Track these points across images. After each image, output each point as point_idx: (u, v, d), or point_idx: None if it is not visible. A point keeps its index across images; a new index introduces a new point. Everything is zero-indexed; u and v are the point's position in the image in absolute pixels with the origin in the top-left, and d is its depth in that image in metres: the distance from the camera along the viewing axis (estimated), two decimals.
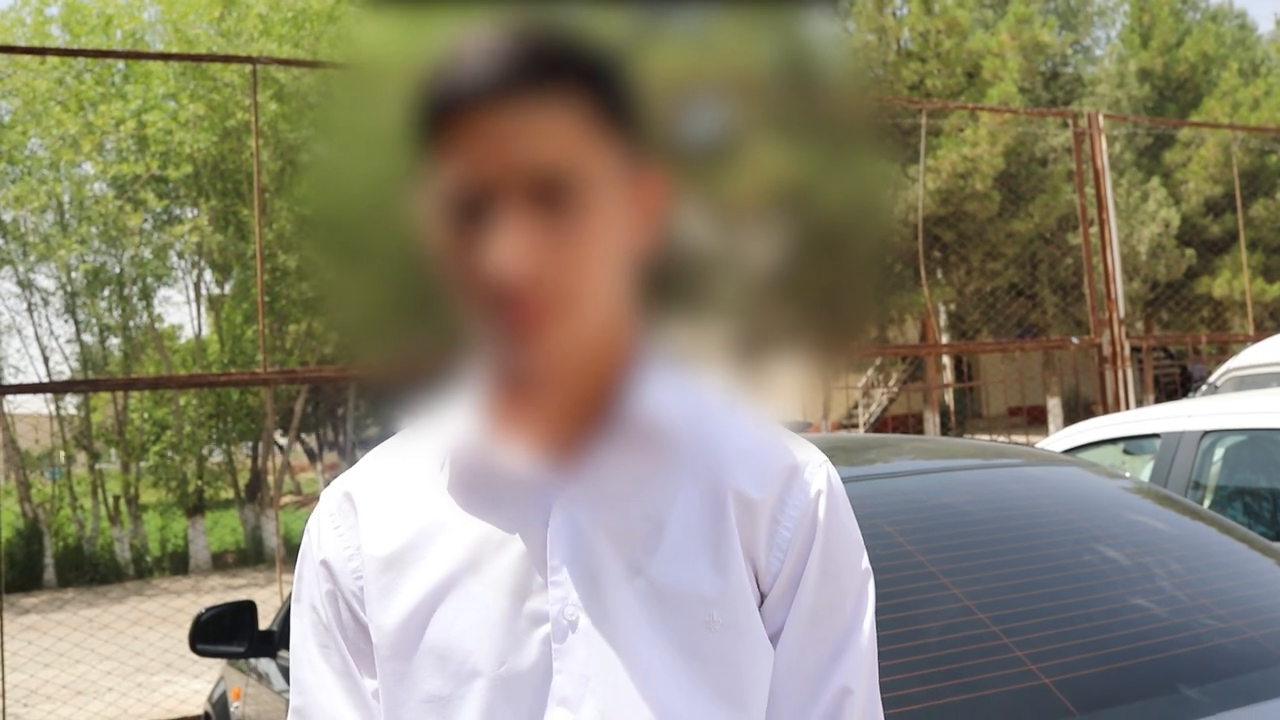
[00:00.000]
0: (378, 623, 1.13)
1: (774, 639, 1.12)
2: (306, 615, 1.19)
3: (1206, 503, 4.36)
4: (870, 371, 28.99)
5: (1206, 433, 4.45)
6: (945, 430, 25.07)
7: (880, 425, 28.31)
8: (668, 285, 1.17)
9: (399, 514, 1.15)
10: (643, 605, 1.09)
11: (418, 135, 1.04)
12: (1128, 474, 3.85)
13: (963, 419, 27.34)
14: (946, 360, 27.82)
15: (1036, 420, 23.92)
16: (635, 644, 1.08)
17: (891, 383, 28.73)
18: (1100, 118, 9.56)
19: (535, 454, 1.12)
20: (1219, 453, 4.50)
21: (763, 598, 1.13)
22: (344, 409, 15.89)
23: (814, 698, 1.13)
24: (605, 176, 1.04)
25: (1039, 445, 5.23)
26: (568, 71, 1.02)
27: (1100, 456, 4.96)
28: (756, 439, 1.17)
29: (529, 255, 1.00)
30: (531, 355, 1.04)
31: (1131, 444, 5.08)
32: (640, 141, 1.08)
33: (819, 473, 1.16)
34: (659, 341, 1.17)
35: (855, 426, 28.14)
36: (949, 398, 26.62)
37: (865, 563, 1.19)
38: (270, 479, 18.14)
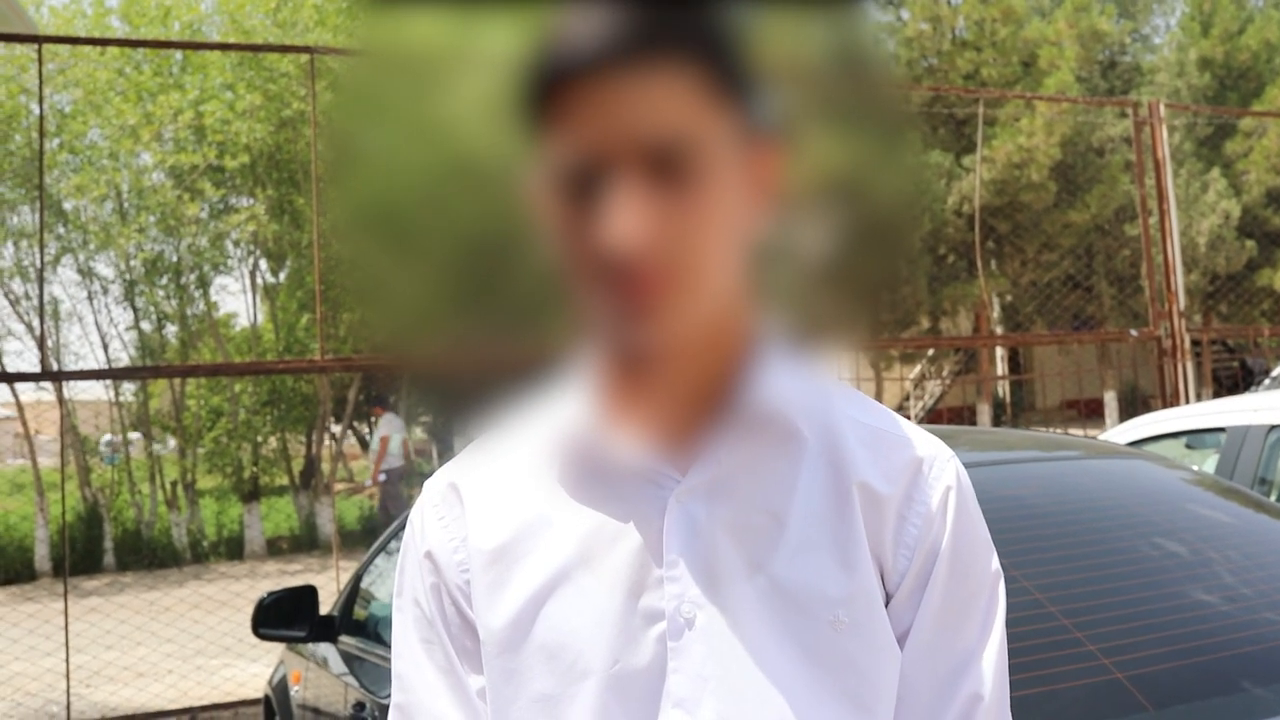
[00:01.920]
0: (485, 619, 1.09)
1: (900, 641, 1.07)
2: (409, 609, 1.16)
3: (1273, 498, 4.29)
4: (923, 363, 28.80)
5: (1273, 427, 4.37)
6: (999, 423, 24.85)
7: (934, 417, 28.12)
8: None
9: (507, 506, 1.11)
10: (764, 603, 1.04)
11: (526, 110, 1.01)
12: (1195, 467, 3.79)
13: (1017, 411, 27.06)
14: (1000, 352, 27.56)
15: (1093, 414, 23.63)
16: (756, 644, 1.03)
17: (944, 374, 28.52)
18: (1161, 107, 9.42)
19: (650, 444, 1.08)
20: None
21: (888, 597, 1.08)
22: (396, 398, 15.94)
23: (943, 703, 1.07)
24: (722, 148, 1.00)
25: (1099, 438, 5.17)
26: (681, 39, 0.98)
27: (1162, 450, 4.89)
28: (880, 430, 1.12)
29: (647, 226, 0.96)
30: (649, 333, 1.00)
31: (1194, 438, 5.01)
32: (755, 115, 1.03)
33: (948, 467, 1.11)
34: (777, 327, 1.12)
35: (907, 417, 27.94)
36: (1003, 390, 26.38)
37: (995, 563, 1.13)
38: (325, 466, 18.32)
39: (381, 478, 15.08)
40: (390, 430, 15.31)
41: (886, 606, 1.07)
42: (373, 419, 15.93)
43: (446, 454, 1.26)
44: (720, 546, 1.05)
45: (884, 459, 1.10)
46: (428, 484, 1.19)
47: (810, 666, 1.04)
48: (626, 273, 0.97)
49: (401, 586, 1.18)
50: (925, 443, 1.13)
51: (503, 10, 1.11)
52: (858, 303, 1.23)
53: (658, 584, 1.05)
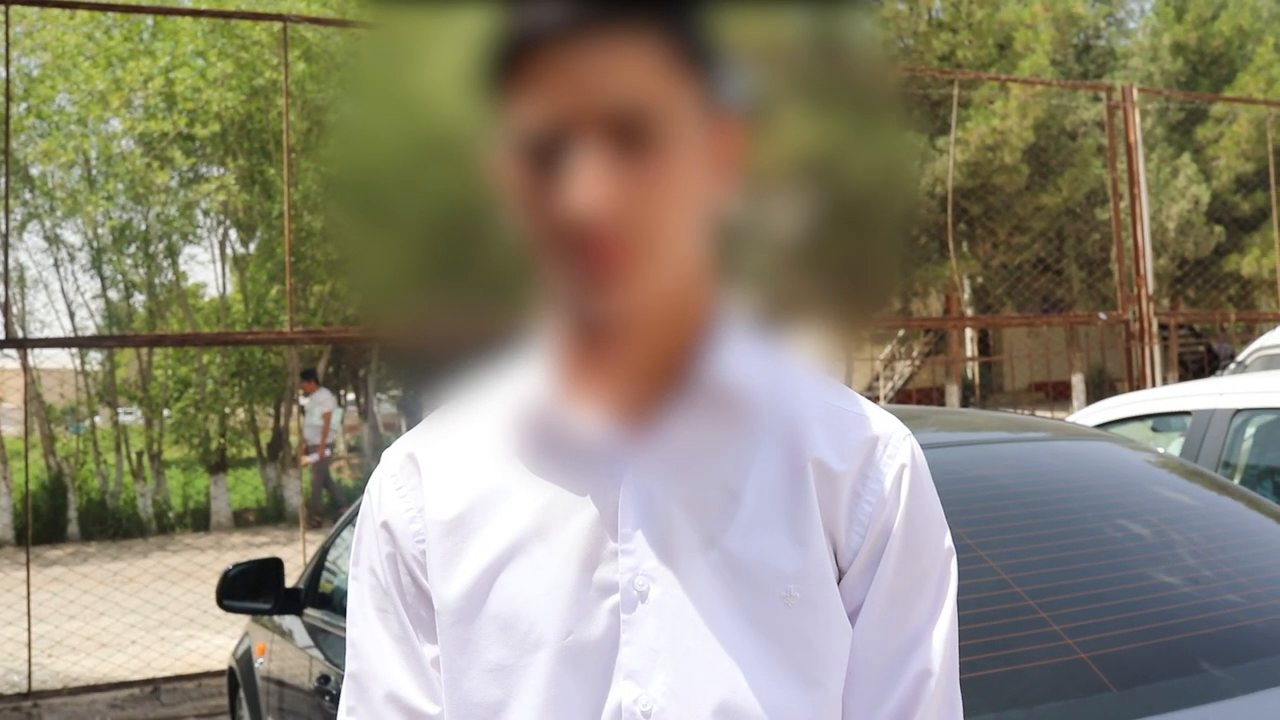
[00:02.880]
0: (439, 589, 1.10)
1: (852, 617, 1.08)
2: (365, 578, 1.16)
3: (1236, 481, 4.33)
4: (893, 344, 28.92)
5: (1238, 411, 4.41)
6: (967, 404, 25.00)
7: (903, 397, 28.26)
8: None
9: (464, 477, 1.12)
10: (717, 577, 1.05)
11: (489, 79, 1.00)
12: (1160, 450, 3.82)
13: (986, 393, 27.23)
14: (970, 334, 27.71)
15: (1060, 396, 23.81)
16: (708, 617, 1.04)
17: (914, 355, 28.65)
18: (1134, 91, 9.46)
19: (608, 417, 1.08)
20: (1250, 431, 4.46)
21: (840, 574, 1.08)
22: (365, 370, 15.87)
23: (893, 679, 1.08)
24: (685, 118, 1.00)
25: (1066, 420, 5.21)
26: (646, 9, 0.98)
27: (1128, 433, 4.93)
28: (837, 408, 1.12)
29: (609, 193, 0.96)
30: (610, 302, 1.00)
31: (1160, 421, 5.05)
32: (718, 86, 1.04)
33: (903, 445, 1.12)
34: (735, 303, 1.12)
35: (876, 398, 28.11)
36: (972, 371, 26.54)
37: (948, 541, 1.14)
38: (293, 439, 18.24)
39: (327, 453, 15.08)
40: (330, 406, 15.30)
41: (839, 583, 1.08)
42: (303, 393, 15.82)
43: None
44: (675, 521, 1.06)
45: (840, 436, 1.10)
46: (386, 454, 1.19)
47: (761, 640, 1.05)
48: (588, 240, 0.97)
49: (358, 555, 1.18)
50: (881, 421, 1.13)
51: None
52: (830, 282, 1.23)
53: (612, 557, 1.06)
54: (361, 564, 1.17)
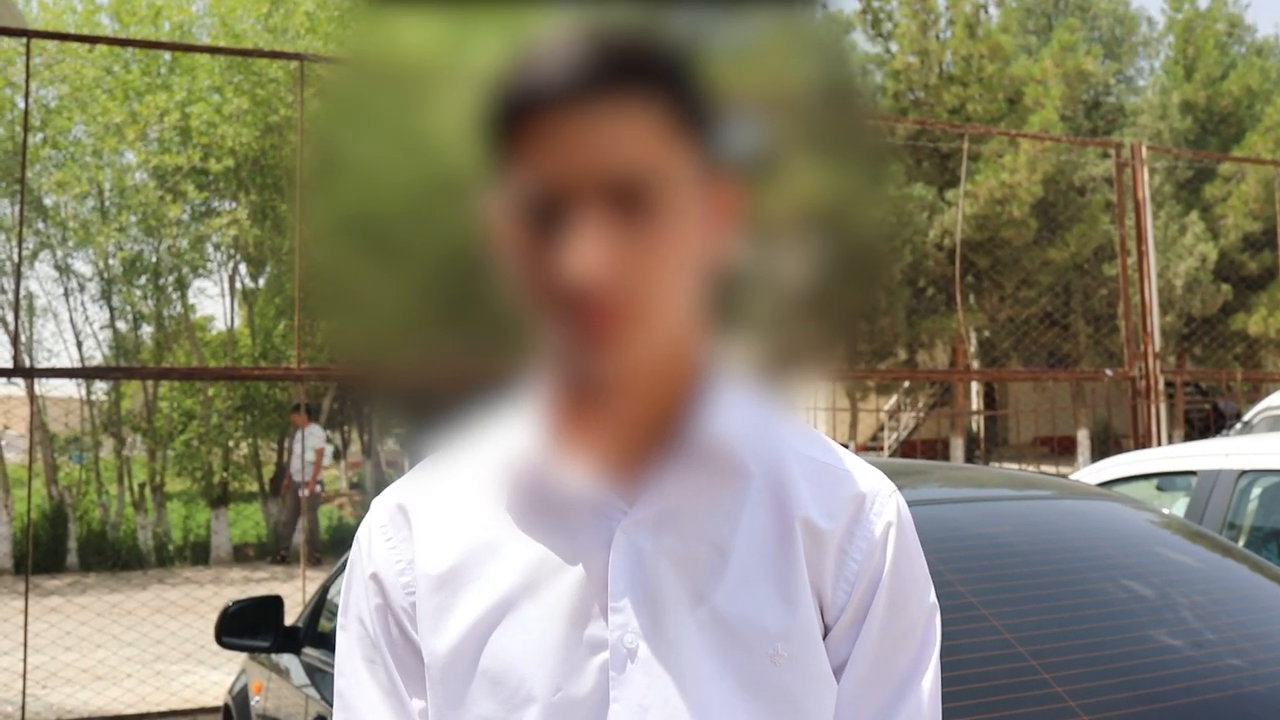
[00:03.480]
0: (429, 643, 1.10)
1: (837, 673, 1.09)
2: (354, 628, 1.16)
3: (1241, 543, 4.31)
4: (898, 395, 28.88)
5: (1244, 472, 4.40)
6: (972, 457, 24.94)
7: (907, 449, 28.19)
8: (721, 306, 1.15)
9: (454, 530, 1.12)
10: (705, 636, 1.06)
11: (490, 136, 1.02)
12: (1165, 510, 3.81)
13: (990, 447, 27.17)
14: (975, 387, 27.68)
15: (1065, 451, 23.75)
16: (696, 676, 1.05)
17: (919, 407, 28.60)
18: (1143, 149, 9.50)
19: (598, 473, 1.08)
20: (1256, 493, 4.45)
21: (826, 630, 1.09)
22: (369, 407, 15.86)
23: None
24: (683, 182, 1.01)
25: (1070, 477, 5.19)
26: (646, 74, 0.99)
27: (1133, 492, 4.91)
28: (824, 464, 1.13)
29: (606, 260, 0.97)
30: (604, 364, 1.01)
31: (1165, 480, 5.03)
32: (716, 148, 1.05)
33: (889, 503, 1.13)
34: (727, 359, 1.13)
35: (880, 449, 28.03)
36: (977, 424, 26.48)
37: (932, 596, 1.15)
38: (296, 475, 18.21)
39: (318, 488, 15.02)
40: (320, 442, 15.27)
41: (824, 638, 1.09)
42: (293, 426, 15.78)
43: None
44: (664, 579, 1.07)
45: (827, 494, 1.11)
46: (375, 502, 1.19)
47: (749, 699, 1.05)
48: (585, 304, 0.98)
49: (347, 605, 1.18)
50: (868, 478, 1.14)
51: (488, 23, 1.12)
52: (828, 333, 1.24)
53: (602, 615, 1.06)
54: (350, 614, 1.17)
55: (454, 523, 1.12)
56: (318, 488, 14.89)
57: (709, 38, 1.09)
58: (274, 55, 12.30)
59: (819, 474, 1.12)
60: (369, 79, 1.27)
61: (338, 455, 32.70)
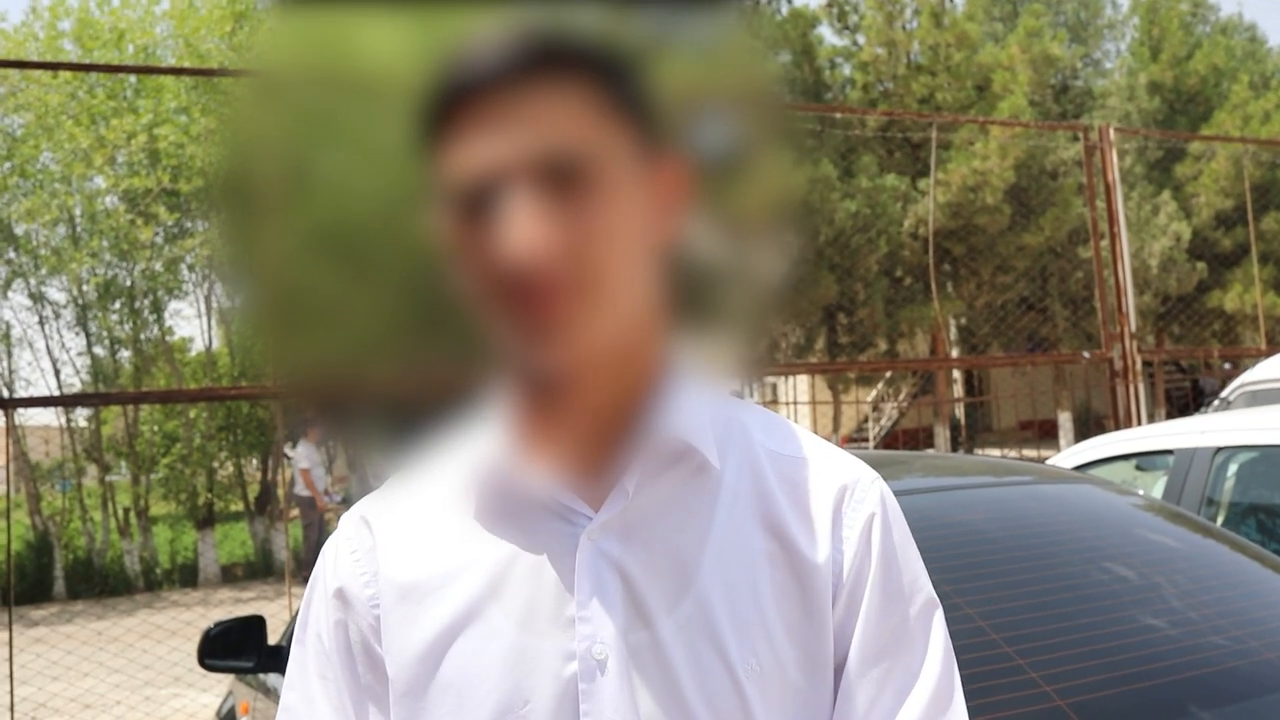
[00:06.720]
0: (394, 656, 1.07)
1: (836, 674, 1.05)
2: (310, 643, 1.13)
3: (1219, 520, 4.33)
4: (880, 385, 28.94)
5: (1220, 449, 4.41)
6: (956, 444, 25.01)
7: (891, 439, 28.25)
8: (678, 299, 1.13)
9: (420, 542, 1.09)
10: (675, 645, 1.02)
11: (423, 132, 1.00)
12: (1140, 491, 3.82)
13: (973, 433, 27.23)
14: (957, 374, 27.75)
15: (1047, 434, 23.83)
16: (666, 686, 1.01)
17: (901, 397, 28.67)
18: (1111, 131, 9.53)
19: (562, 476, 1.05)
20: (1232, 469, 4.46)
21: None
22: (338, 424, 15.83)
23: None
24: (619, 159, 0.99)
25: (1050, 461, 5.20)
26: (573, 61, 0.98)
27: (1112, 472, 4.93)
28: (797, 460, 1.09)
29: (544, 234, 0.95)
30: (555, 351, 0.98)
31: (1144, 460, 5.04)
32: (655, 130, 1.03)
33: (870, 491, 1.09)
34: (688, 354, 1.10)
35: (865, 441, 28.08)
36: (959, 412, 26.55)
37: (929, 588, 1.10)
38: (280, 492, 18.14)
39: (337, 499, 14.85)
40: (305, 462, 15.11)
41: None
42: (291, 443, 15.64)
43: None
44: (633, 586, 1.03)
45: (802, 491, 1.07)
46: (343, 519, 1.17)
47: (721, 711, 1.01)
48: (527, 286, 0.95)
49: (305, 619, 1.15)
50: (845, 469, 1.10)
51: (436, 27, 1.10)
52: (761, 325, 1.21)
53: (569, 624, 1.03)
54: (309, 628, 1.14)
55: (420, 534, 1.10)
56: (330, 499, 14.68)
57: (639, 28, 1.07)
58: (238, 74, 12.23)
59: (792, 470, 1.08)
60: (317, 88, 1.24)
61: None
